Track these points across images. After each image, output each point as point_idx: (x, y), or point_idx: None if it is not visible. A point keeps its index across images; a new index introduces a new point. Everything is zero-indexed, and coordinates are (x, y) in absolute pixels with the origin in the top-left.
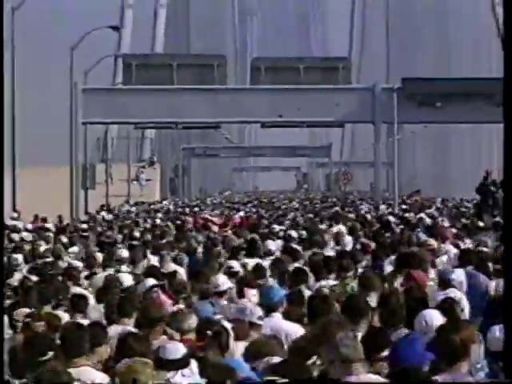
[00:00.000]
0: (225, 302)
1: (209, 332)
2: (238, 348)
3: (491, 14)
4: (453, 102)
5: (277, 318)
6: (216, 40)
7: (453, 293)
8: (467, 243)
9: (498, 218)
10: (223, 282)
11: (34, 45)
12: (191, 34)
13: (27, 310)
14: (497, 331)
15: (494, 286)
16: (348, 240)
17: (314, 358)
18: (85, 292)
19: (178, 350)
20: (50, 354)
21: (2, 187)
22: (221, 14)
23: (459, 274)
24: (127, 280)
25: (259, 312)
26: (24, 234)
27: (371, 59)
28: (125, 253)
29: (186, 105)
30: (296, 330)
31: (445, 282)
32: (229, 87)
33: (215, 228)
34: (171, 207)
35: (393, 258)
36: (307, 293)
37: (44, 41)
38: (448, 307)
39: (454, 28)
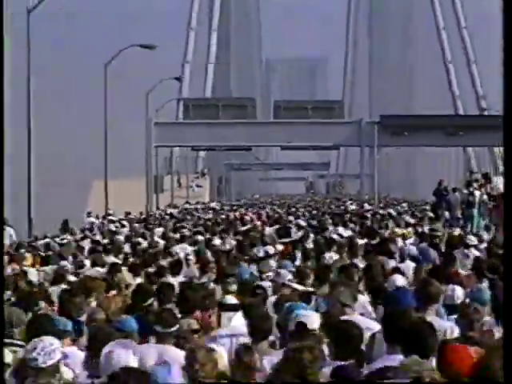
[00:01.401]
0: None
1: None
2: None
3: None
4: (416, 132)
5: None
6: (249, 86)
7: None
8: (424, 229)
9: (447, 214)
10: (260, 250)
11: (119, 90)
12: (231, 82)
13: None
14: None
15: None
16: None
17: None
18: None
19: (233, 299)
20: (150, 300)
21: (2, 187)
22: (252, 67)
23: (414, 250)
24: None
25: (288, 275)
26: (124, 222)
27: (358, 101)
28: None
29: (227, 133)
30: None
31: (403, 257)
32: (257, 121)
33: (248, 219)
34: (217, 206)
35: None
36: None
37: (126, 87)
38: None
39: (416, 75)
